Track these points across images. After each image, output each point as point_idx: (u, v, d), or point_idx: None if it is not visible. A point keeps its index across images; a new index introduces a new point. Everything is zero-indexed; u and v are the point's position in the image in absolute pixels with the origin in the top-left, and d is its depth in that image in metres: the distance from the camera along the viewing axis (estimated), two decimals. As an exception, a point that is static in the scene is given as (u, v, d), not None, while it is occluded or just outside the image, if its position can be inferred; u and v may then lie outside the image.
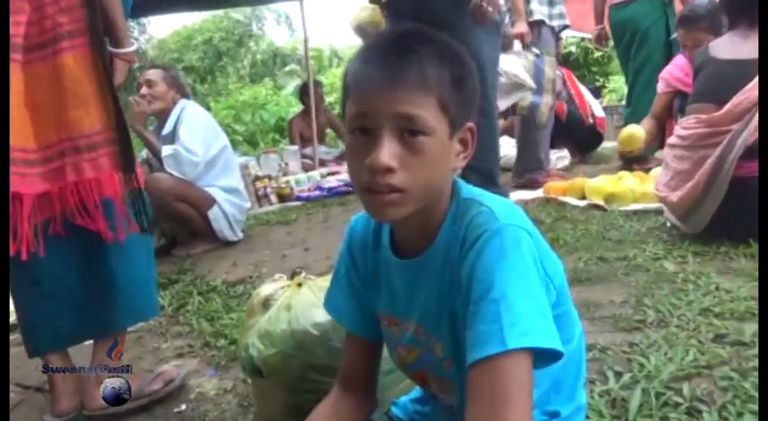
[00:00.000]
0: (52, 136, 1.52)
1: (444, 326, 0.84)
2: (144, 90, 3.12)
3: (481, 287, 0.73)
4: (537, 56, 3.74)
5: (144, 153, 3.47)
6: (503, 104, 3.69)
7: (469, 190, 0.85)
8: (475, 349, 0.71)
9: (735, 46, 2.22)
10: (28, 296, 1.59)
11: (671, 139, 2.33)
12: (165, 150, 2.99)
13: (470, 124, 0.83)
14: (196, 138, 3.04)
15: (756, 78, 1.99)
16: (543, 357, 0.72)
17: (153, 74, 3.18)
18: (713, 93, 2.18)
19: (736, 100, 2.04)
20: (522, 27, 3.70)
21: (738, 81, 2.06)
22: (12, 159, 1.44)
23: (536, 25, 3.94)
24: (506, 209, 0.80)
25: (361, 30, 4.20)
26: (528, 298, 0.72)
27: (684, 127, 2.22)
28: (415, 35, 0.80)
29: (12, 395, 1.79)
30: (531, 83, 3.61)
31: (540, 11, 3.99)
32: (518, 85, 3.62)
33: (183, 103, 3.19)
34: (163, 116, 3.15)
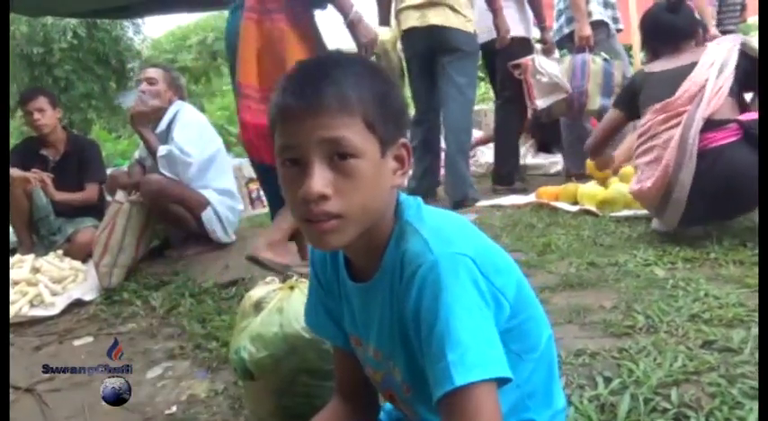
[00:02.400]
0: (270, 81, 2.05)
1: (398, 350, 0.84)
2: (144, 87, 3.12)
3: (427, 325, 0.74)
4: (605, 61, 3.75)
5: (137, 153, 3.47)
6: (542, 103, 3.82)
7: (411, 210, 0.84)
8: (434, 388, 0.72)
9: (667, 62, 2.41)
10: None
11: (635, 144, 2.41)
12: (160, 151, 2.98)
13: (403, 140, 0.82)
14: (191, 140, 3.04)
15: (696, 70, 2.22)
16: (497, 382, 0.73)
17: (154, 72, 3.18)
18: (664, 92, 2.29)
19: (683, 87, 2.22)
20: (585, 30, 3.73)
21: (679, 80, 2.25)
22: (243, 94, 2.16)
23: (598, 26, 3.91)
24: (443, 234, 0.78)
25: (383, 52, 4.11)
26: (471, 328, 0.71)
27: (642, 123, 2.35)
28: (330, 60, 0.80)
29: (1, 396, 1.79)
30: (567, 86, 3.73)
31: (599, 11, 3.95)
32: (557, 87, 3.76)
33: (178, 104, 3.18)
34: (157, 115, 3.14)
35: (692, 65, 2.27)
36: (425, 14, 3.38)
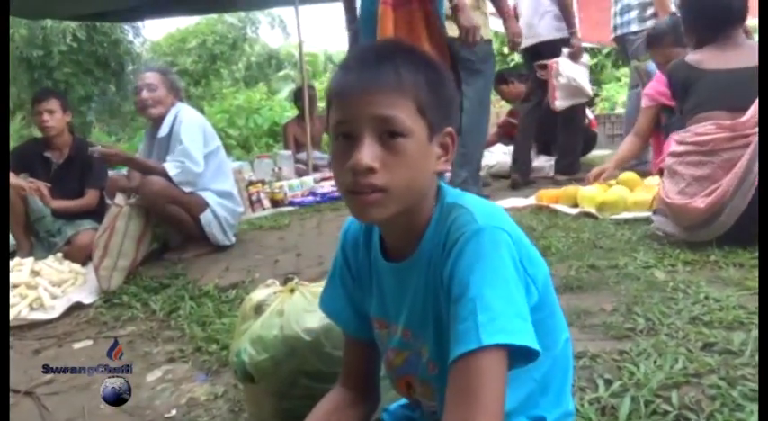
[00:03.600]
0: None
1: (429, 328, 0.85)
2: (145, 94, 3.10)
3: (460, 287, 0.75)
4: None
5: (136, 156, 3.46)
6: (561, 105, 4.08)
7: (453, 194, 0.87)
8: (453, 347, 0.73)
9: (719, 57, 2.26)
10: None
11: (678, 148, 2.29)
12: (171, 168, 2.95)
13: (449, 129, 0.85)
14: (198, 147, 3.03)
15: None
16: (519, 356, 0.74)
17: (153, 77, 3.15)
18: (720, 100, 2.19)
19: (756, 106, 2.06)
20: None
21: (745, 88, 2.10)
22: None
23: None
24: (487, 211, 0.81)
25: None
26: (504, 298, 0.73)
27: (700, 133, 2.20)
28: (390, 45, 0.85)
29: (1, 399, 1.78)
30: (588, 91, 4.05)
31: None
32: (578, 91, 4.04)
33: (178, 106, 3.18)
34: (158, 119, 3.14)
35: (753, 70, 2.08)
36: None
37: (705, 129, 2.19)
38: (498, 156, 5.13)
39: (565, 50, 4.07)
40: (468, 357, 0.71)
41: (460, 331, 0.73)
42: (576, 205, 3.17)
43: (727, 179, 2.09)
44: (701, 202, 2.14)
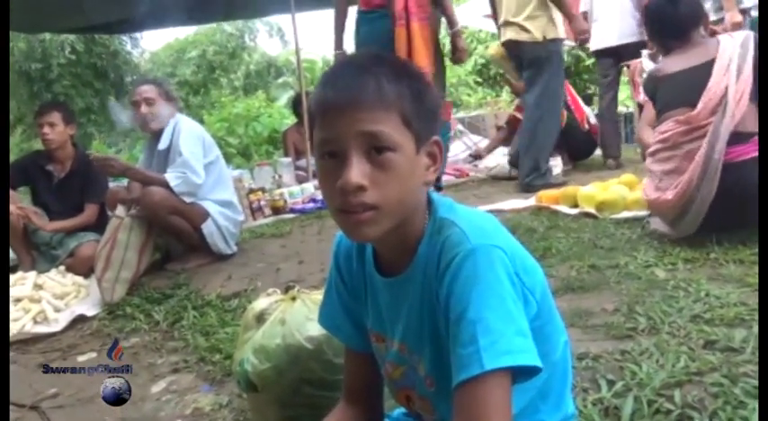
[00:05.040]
0: None
1: (426, 344, 0.85)
2: (144, 109, 3.11)
3: (458, 309, 0.75)
4: None
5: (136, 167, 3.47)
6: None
7: (445, 208, 0.86)
8: (457, 372, 0.73)
9: (677, 61, 2.38)
10: None
11: (651, 147, 2.39)
12: (173, 179, 2.96)
13: (436, 138, 0.84)
14: (198, 158, 3.04)
15: (715, 76, 2.18)
16: (523, 373, 0.74)
17: (150, 91, 3.14)
18: (681, 98, 2.28)
19: (705, 98, 2.17)
20: (737, 16, 3.77)
21: (698, 83, 2.21)
22: None
23: (746, 13, 3.97)
24: (479, 227, 0.80)
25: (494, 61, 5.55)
26: (503, 318, 0.73)
27: (663, 131, 2.31)
28: (368, 57, 0.83)
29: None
30: None
31: None
32: None
33: (176, 117, 3.19)
34: (158, 132, 3.15)
35: (708, 64, 2.22)
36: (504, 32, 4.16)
37: (666, 126, 2.29)
38: (498, 157, 5.14)
39: (644, 52, 4.27)
40: (472, 383, 0.71)
41: (463, 356, 0.72)
42: (576, 205, 3.18)
43: (689, 169, 2.17)
44: (670, 194, 2.23)
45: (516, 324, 0.74)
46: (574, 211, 3.09)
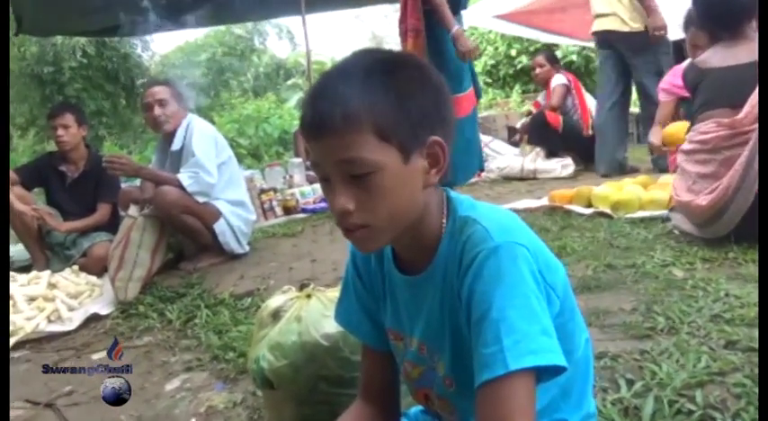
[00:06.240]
0: None
1: (446, 344, 0.84)
2: (157, 110, 3.12)
3: (481, 308, 0.74)
4: None
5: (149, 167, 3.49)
6: None
7: (465, 206, 0.84)
8: (480, 372, 0.72)
9: (726, 55, 2.27)
10: None
11: (686, 146, 2.32)
12: (186, 179, 2.97)
13: (433, 138, 0.79)
14: (210, 158, 3.06)
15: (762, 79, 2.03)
16: (547, 373, 0.73)
17: (163, 92, 3.16)
18: (724, 98, 2.20)
19: (751, 102, 2.07)
20: None
21: (745, 84, 2.10)
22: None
23: None
24: (501, 225, 0.79)
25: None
26: (527, 317, 0.72)
27: (704, 131, 2.21)
28: (342, 72, 0.78)
29: (21, 412, 1.79)
30: None
31: None
32: None
33: (188, 117, 3.20)
34: (171, 133, 3.16)
35: (752, 66, 2.07)
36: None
37: (707, 127, 2.20)
38: (510, 158, 5.12)
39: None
40: (496, 383, 0.70)
41: (486, 355, 0.71)
42: (589, 205, 3.16)
43: (727, 177, 2.09)
44: (703, 200, 2.16)
45: (541, 323, 0.72)
46: (588, 211, 3.07)
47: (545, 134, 4.80)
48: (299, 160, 5.40)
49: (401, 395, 1.04)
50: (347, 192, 0.76)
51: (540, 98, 5.43)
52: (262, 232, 3.80)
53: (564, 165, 4.69)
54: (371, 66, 0.78)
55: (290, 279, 2.62)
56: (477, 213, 0.82)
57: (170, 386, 1.85)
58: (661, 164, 4.00)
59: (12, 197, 3.20)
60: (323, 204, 4.47)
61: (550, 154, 4.87)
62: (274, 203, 4.43)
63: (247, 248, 3.25)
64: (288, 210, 4.44)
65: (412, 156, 0.78)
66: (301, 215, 4.35)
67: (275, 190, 4.61)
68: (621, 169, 4.36)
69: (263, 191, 4.50)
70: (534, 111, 5.33)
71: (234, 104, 12.92)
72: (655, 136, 3.33)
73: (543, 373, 0.73)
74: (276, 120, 10.76)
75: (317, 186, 4.85)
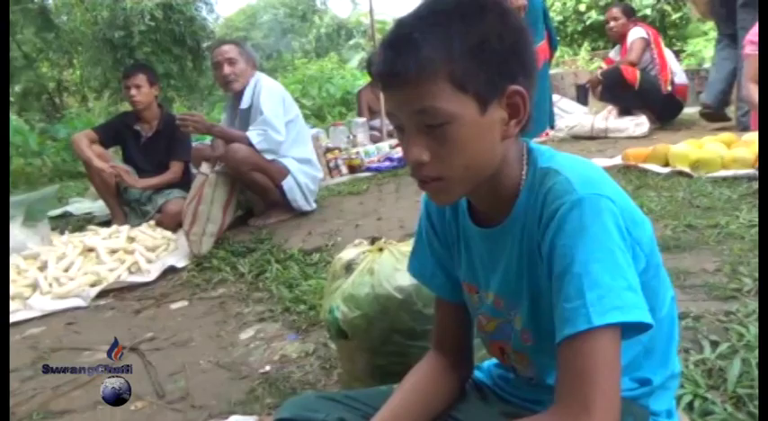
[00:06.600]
0: None
1: (524, 299, 0.82)
2: (227, 69, 3.16)
3: (563, 262, 0.71)
4: None
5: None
6: None
7: (546, 157, 0.81)
8: (561, 327, 0.70)
9: None
10: None
11: None
12: (254, 137, 3.02)
13: (514, 87, 0.75)
14: (278, 116, 3.09)
15: None
16: (632, 329, 0.70)
17: (231, 51, 3.19)
18: None
19: None
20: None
21: None
22: None
23: None
24: (585, 176, 0.75)
25: None
26: (612, 271, 0.69)
27: None
28: (414, 19, 0.75)
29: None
30: None
31: None
32: None
33: (256, 76, 3.23)
34: (240, 92, 3.20)
35: None
36: None
37: None
38: (579, 116, 4.93)
39: None
40: (580, 338, 0.68)
41: (568, 310, 0.69)
42: (666, 164, 3.01)
43: None
44: None
45: (626, 278, 0.69)
46: (665, 170, 2.93)
47: (619, 91, 4.57)
48: (362, 120, 5.39)
49: (475, 348, 1.03)
50: (421, 142, 0.74)
51: (613, 54, 5.16)
52: (328, 190, 3.84)
53: (638, 124, 4.47)
54: (447, 10, 0.74)
55: (357, 236, 2.63)
56: (558, 164, 0.78)
57: (244, 335, 1.92)
58: (744, 122, 3.77)
59: (91, 154, 3.34)
60: (387, 163, 4.46)
61: (624, 111, 4.66)
62: (339, 161, 4.46)
63: (314, 205, 3.29)
64: (353, 169, 4.46)
65: (490, 106, 0.74)
66: (366, 173, 4.35)
67: (340, 149, 4.63)
68: (725, 104, 4.26)
69: (328, 149, 4.52)
70: (606, 67, 5.08)
71: (297, 65, 12.97)
72: (752, 90, 3.12)
73: (627, 330, 0.70)
74: (339, 81, 10.75)
75: (382, 145, 4.84)
